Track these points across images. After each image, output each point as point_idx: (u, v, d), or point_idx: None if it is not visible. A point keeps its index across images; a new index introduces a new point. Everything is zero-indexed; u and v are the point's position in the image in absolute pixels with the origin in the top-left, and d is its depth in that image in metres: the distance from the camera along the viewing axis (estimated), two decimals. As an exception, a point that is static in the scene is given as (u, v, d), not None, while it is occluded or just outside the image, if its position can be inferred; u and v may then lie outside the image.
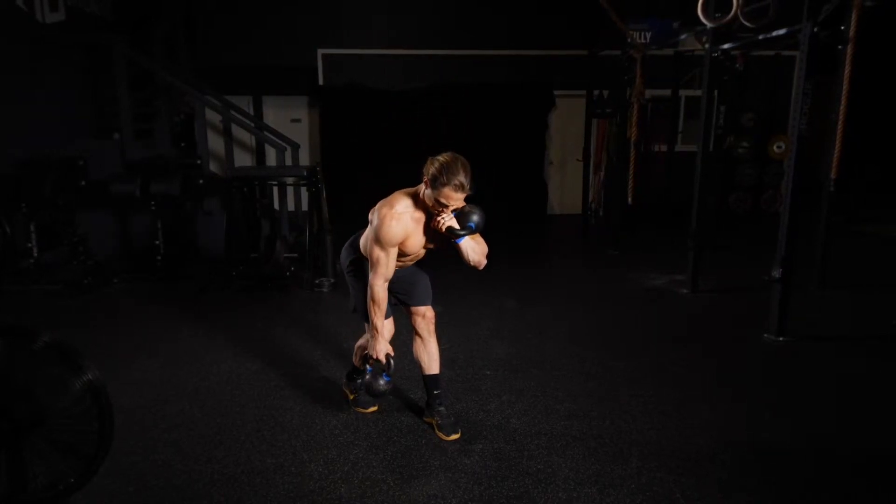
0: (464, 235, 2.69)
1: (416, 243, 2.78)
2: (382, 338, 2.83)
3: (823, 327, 4.63)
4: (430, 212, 2.69)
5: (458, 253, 2.76)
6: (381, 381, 2.81)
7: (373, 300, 2.76)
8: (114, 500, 2.54)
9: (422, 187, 2.68)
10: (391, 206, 2.70)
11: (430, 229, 2.74)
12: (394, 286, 2.98)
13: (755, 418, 3.21)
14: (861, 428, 3.15)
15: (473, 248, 2.75)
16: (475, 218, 2.68)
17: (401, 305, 3.07)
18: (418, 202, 2.72)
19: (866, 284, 5.82)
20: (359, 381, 3.34)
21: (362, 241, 2.89)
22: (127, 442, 2.91)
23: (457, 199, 2.59)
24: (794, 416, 3.26)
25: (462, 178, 2.54)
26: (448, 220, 2.66)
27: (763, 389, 3.61)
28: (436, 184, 2.56)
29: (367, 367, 2.86)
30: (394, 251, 2.72)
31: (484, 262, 2.81)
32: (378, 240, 2.69)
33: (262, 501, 2.52)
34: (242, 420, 3.20)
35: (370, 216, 2.78)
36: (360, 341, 3.19)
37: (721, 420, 3.19)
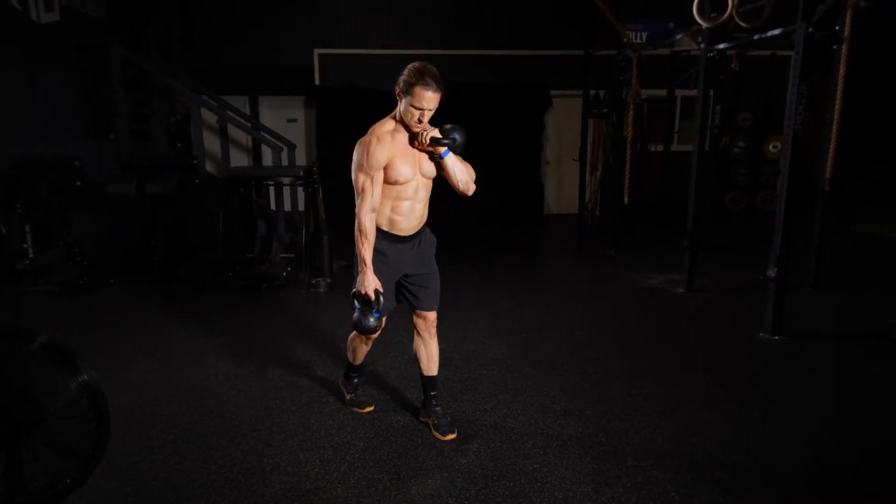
0: (447, 145, 2.67)
1: (406, 167, 2.69)
2: (371, 272, 2.71)
3: (818, 327, 4.65)
4: (413, 134, 2.68)
5: (445, 176, 2.74)
6: (371, 318, 2.71)
7: (360, 230, 2.68)
8: (111, 500, 2.54)
9: (397, 109, 2.67)
10: (371, 132, 2.69)
11: (416, 151, 2.70)
12: (406, 285, 2.92)
13: (751, 417, 3.23)
14: (857, 427, 3.17)
15: (461, 169, 2.73)
16: (457, 134, 2.68)
17: (406, 303, 3.01)
18: (398, 126, 2.71)
19: (861, 284, 5.84)
20: (355, 380, 3.35)
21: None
22: (124, 442, 2.91)
23: (430, 100, 2.57)
24: (790, 415, 3.27)
25: (432, 78, 2.55)
26: (430, 131, 2.65)
27: (758, 389, 3.63)
28: (407, 88, 2.57)
29: (356, 304, 2.75)
30: (379, 176, 2.66)
31: (472, 186, 2.78)
32: (361, 165, 2.64)
33: (259, 501, 2.53)
34: (239, 420, 3.21)
35: (353, 153, 2.71)
36: (351, 336, 3.16)
37: (716, 419, 3.21)
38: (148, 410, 3.31)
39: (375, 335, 2.90)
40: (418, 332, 3.05)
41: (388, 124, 2.72)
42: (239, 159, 9.55)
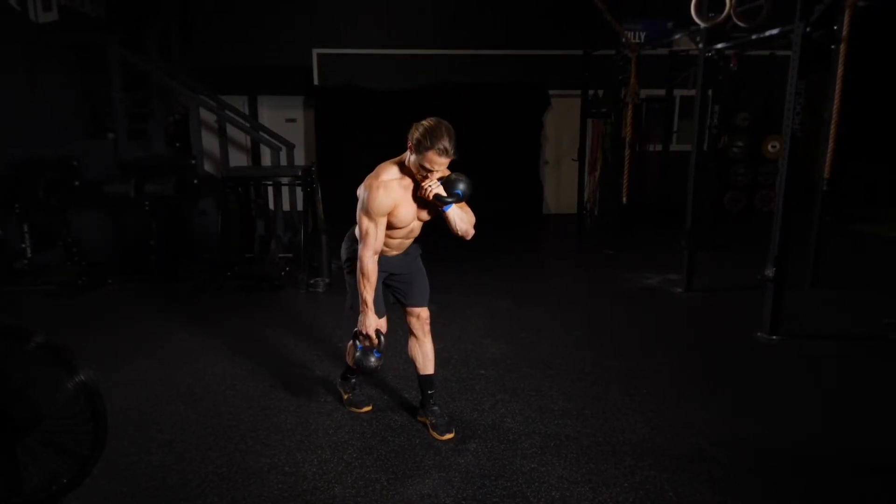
0: (451, 203, 2.68)
1: (407, 213, 2.74)
2: (373, 313, 2.77)
3: (817, 326, 4.65)
4: (417, 178, 2.68)
5: (446, 222, 2.74)
6: (372, 358, 2.77)
7: (362, 273, 2.71)
8: (108, 500, 2.54)
9: (406, 154, 2.66)
10: (377, 176, 2.69)
11: (419, 198, 2.72)
12: (392, 284, 2.98)
13: (748, 417, 3.22)
14: (855, 426, 3.17)
15: (461, 217, 2.74)
16: (462, 186, 2.68)
17: (398, 304, 3.07)
18: (405, 170, 2.70)
19: (859, 284, 5.85)
20: (353, 380, 3.35)
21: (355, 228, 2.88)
22: (121, 442, 2.91)
23: (441, 164, 2.57)
24: (788, 414, 3.28)
25: (446, 142, 2.53)
26: (435, 188, 2.64)
27: (756, 388, 3.63)
28: (420, 148, 2.55)
29: (357, 344, 2.81)
30: (383, 221, 2.69)
31: (471, 231, 2.79)
32: (367, 210, 2.66)
33: (256, 501, 2.52)
34: (237, 420, 3.20)
35: (358, 192, 2.74)
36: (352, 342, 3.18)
37: (714, 419, 3.21)
38: (145, 410, 3.31)
39: (375, 373, 2.99)
40: (412, 332, 3.06)
41: (394, 169, 2.72)
42: (238, 159, 9.55)
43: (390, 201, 2.67)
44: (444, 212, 2.70)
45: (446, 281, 5.54)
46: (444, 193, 2.65)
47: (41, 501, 2.30)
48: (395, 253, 2.91)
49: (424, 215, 2.82)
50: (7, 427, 2.21)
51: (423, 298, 3.02)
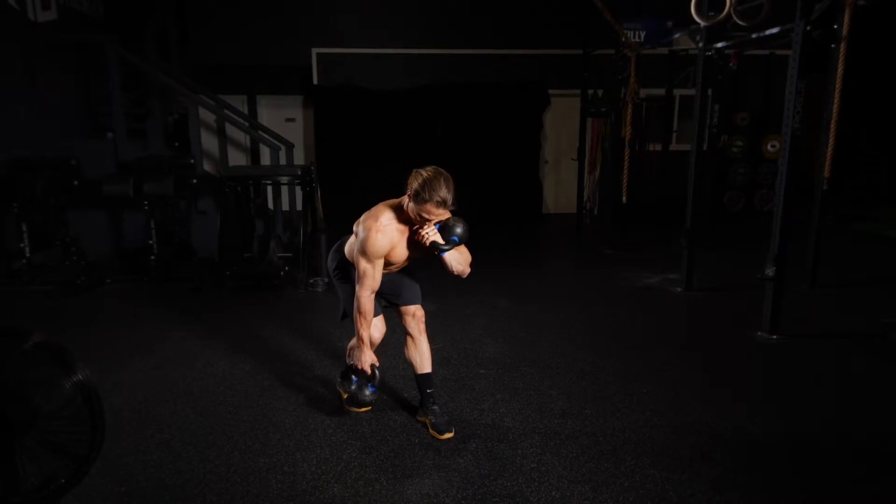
0: (448, 249, 2.70)
1: (401, 253, 2.81)
2: (368, 349, 2.86)
3: (816, 325, 4.65)
4: (414, 223, 2.71)
5: (441, 263, 2.77)
6: (367, 392, 2.89)
7: (359, 312, 2.79)
8: (106, 500, 2.53)
9: (405, 199, 2.67)
10: (376, 219, 2.71)
11: (415, 240, 2.75)
12: (382, 289, 2.97)
13: (748, 416, 3.22)
14: (854, 425, 3.16)
15: (457, 260, 2.77)
16: (459, 231, 2.69)
17: (391, 308, 3.07)
18: (402, 213, 2.72)
19: (858, 283, 5.85)
20: (353, 380, 3.33)
21: (347, 247, 2.93)
22: (119, 442, 2.90)
23: (439, 215, 2.61)
24: (787, 413, 3.27)
25: (444, 193, 2.54)
26: (432, 235, 2.68)
27: (756, 387, 3.63)
28: (418, 199, 2.57)
29: (353, 377, 2.92)
30: (380, 263, 2.75)
31: (468, 270, 2.84)
32: (364, 252, 2.70)
33: (255, 501, 2.51)
34: (235, 420, 3.20)
35: (355, 227, 2.80)
36: (352, 342, 3.18)
37: (714, 418, 3.20)
38: (143, 410, 3.30)
39: (371, 406, 3.11)
40: (408, 332, 3.06)
41: (393, 212, 2.74)
42: (237, 158, 9.54)
43: (387, 244, 2.72)
44: (440, 256, 2.74)
45: (445, 281, 5.52)
46: (441, 241, 2.68)
47: (39, 501, 2.29)
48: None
49: (416, 255, 2.86)
50: (5, 427, 2.20)
51: (414, 296, 3.04)
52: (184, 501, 2.52)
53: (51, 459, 2.31)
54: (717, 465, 2.76)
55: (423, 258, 2.87)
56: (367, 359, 2.86)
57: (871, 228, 8.35)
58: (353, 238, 2.85)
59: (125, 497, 2.55)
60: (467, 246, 2.83)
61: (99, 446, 2.30)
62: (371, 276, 2.74)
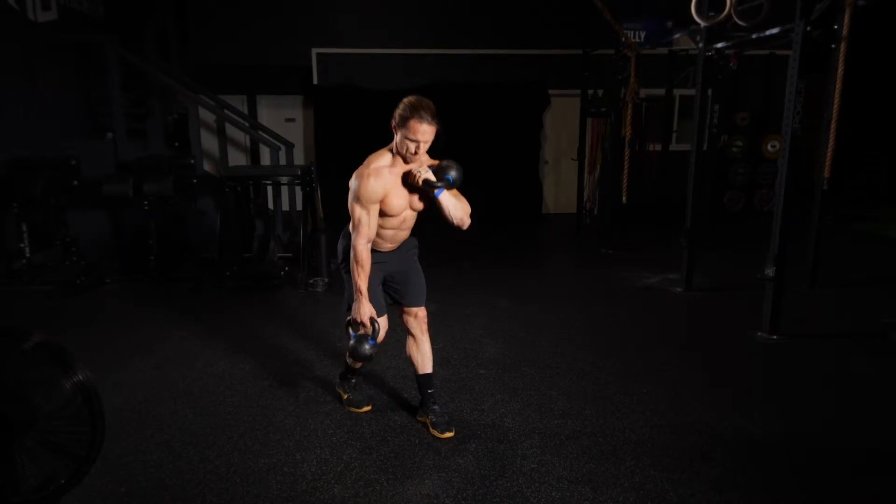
0: (441, 187, 2.68)
1: (398, 201, 2.74)
2: (367, 300, 2.77)
3: (815, 326, 4.65)
4: (407, 167, 2.71)
5: (440, 211, 2.75)
6: (367, 346, 2.76)
7: (356, 261, 2.73)
8: (105, 500, 2.53)
9: (393, 142, 2.69)
10: (367, 165, 2.71)
11: (410, 185, 2.73)
12: (390, 284, 2.98)
13: (748, 416, 3.22)
14: (854, 425, 3.16)
15: (455, 205, 2.74)
16: (452, 172, 2.69)
17: (395, 305, 3.06)
18: (395, 159, 2.73)
19: (858, 283, 5.84)
20: (353, 380, 3.34)
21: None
22: (119, 442, 2.90)
23: (424, 133, 2.59)
24: (787, 414, 3.27)
25: (426, 111, 2.57)
26: (424, 173, 2.66)
27: (756, 388, 3.62)
28: (402, 121, 2.58)
29: (351, 332, 2.80)
30: (375, 209, 2.70)
31: (467, 220, 2.79)
32: (358, 198, 2.68)
33: (255, 502, 2.51)
34: (235, 420, 3.19)
35: (350, 183, 2.75)
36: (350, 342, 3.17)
37: (714, 418, 3.20)
38: (143, 410, 3.30)
39: (370, 361, 2.97)
40: (410, 332, 3.06)
41: (385, 157, 2.74)
42: (237, 158, 9.54)
43: (381, 188, 2.68)
44: (435, 198, 2.71)
45: (445, 280, 5.54)
46: (433, 178, 2.67)
47: (39, 501, 2.29)
48: (390, 247, 2.91)
49: (417, 203, 2.81)
50: (5, 427, 2.20)
51: (420, 298, 3.02)
52: (184, 502, 2.52)
53: (51, 459, 2.30)
54: (717, 465, 2.76)
55: (425, 209, 2.82)
56: (367, 310, 2.76)
57: (871, 228, 8.35)
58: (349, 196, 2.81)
59: (125, 497, 2.55)
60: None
61: (99, 446, 2.30)
62: (366, 224, 2.69)
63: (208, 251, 6.25)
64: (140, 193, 5.90)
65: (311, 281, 5.69)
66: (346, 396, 3.34)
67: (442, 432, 2.99)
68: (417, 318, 3.02)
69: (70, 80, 7.07)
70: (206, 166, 8.39)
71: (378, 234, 2.82)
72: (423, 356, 3.06)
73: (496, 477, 2.68)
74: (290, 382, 3.65)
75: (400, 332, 3.20)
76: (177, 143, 8.03)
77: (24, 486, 2.27)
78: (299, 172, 5.99)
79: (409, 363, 3.12)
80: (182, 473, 2.71)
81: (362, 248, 2.72)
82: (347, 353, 3.19)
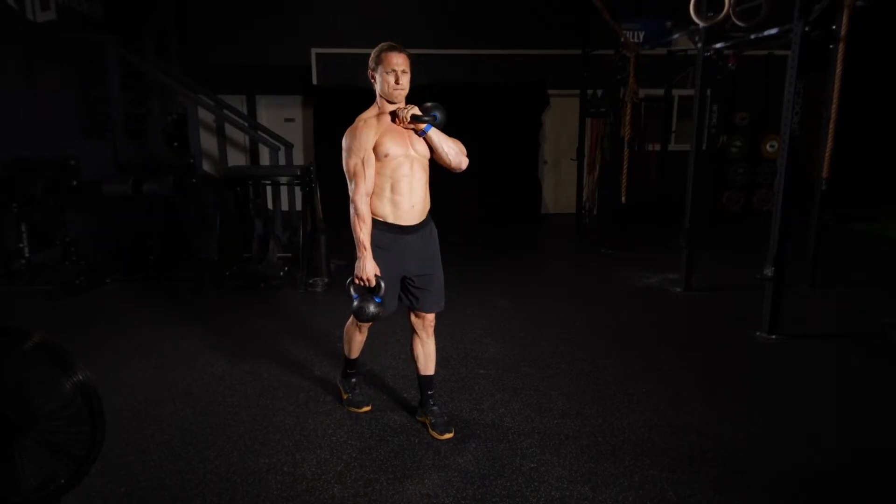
0: (428, 121, 2.73)
1: (395, 144, 2.71)
2: (370, 257, 2.70)
3: (815, 325, 4.66)
4: (395, 114, 2.76)
5: (435, 155, 2.79)
6: (372, 305, 2.67)
7: (357, 214, 2.69)
8: (106, 500, 2.53)
9: (378, 96, 2.77)
10: (356, 120, 2.77)
11: (405, 132, 2.75)
12: (410, 287, 2.89)
13: (747, 416, 3.22)
14: (853, 425, 3.17)
15: (447, 143, 2.78)
16: (437, 111, 2.77)
17: (406, 303, 2.97)
18: (381, 110, 2.78)
19: (857, 283, 5.85)
20: (353, 380, 3.34)
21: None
22: (119, 442, 2.90)
23: (400, 62, 2.66)
24: (786, 413, 3.27)
25: (395, 45, 2.69)
26: (410, 109, 2.72)
27: (755, 387, 3.62)
28: (377, 61, 2.70)
29: (353, 293, 2.73)
30: (370, 158, 2.69)
31: (464, 160, 2.83)
32: (351, 149, 2.69)
33: (254, 501, 2.51)
34: (235, 420, 3.20)
35: (342, 143, 2.76)
36: (348, 323, 3.13)
37: (713, 418, 3.20)
38: (143, 410, 3.30)
39: (375, 322, 2.89)
40: (416, 332, 3.04)
41: (372, 110, 2.81)
42: (236, 158, 9.54)
43: (371, 133, 2.70)
44: (425, 133, 2.74)
45: (446, 280, 5.52)
46: (420, 112, 2.73)
47: (39, 501, 2.29)
48: (412, 210, 2.77)
49: (419, 148, 2.78)
50: (4, 427, 2.20)
51: (434, 304, 2.96)
52: (184, 502, 2.52)
53: (51, 460, 2.30)
54: (717, 465, 2.76)
55: (427, 154, 2.81)
56: (371, 267, 2.69)
57: (871, 228, 8.36)
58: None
59: (125, 497, 2.55)
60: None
61: (99, 446, 2.30)
62: (362, 175, 2.68)
63: (208, 251, 6.25)
64: (139, 193, 5.90)
65: (310, 281, 5.69)
66: (345, 396, 3.34)
67: (441, 433, 2.99)
68: (426, 322, 2.99)
69: (70, 80, 7.06)
70: (206, 166, 8.40)
71: (395, 191, 2.73)
72: (426, 357, 3.05)
73: (496, 476, 2.68)
74: (290, 382, 3.65)
75: (399, 332, 3.21)
76: (176, 143, 8.03)
77: (24, 486, 2.27)
78: (299, 172, 5.99)
79: (412, 362, 3.12)
80: (182, 473, 2.71)
81: (361, 202, 2.69)
82: (347, 345, 3.17)
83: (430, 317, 3.00)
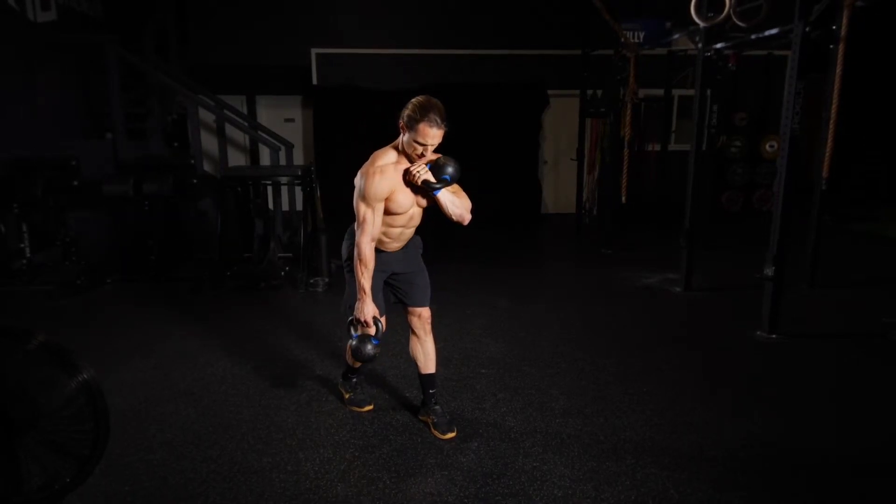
0: (440, 187, 2.69)
1: (405, 199, 2.73)
2: (370, 299, 2.74)
3: (814, 325, 4.67)
4: (411, 163, 2.71)
5: (439, 208, 2.75)
6: (370, 346, 2.72)
7: (360, 259, 2.71)
8: (109, 500, 2.54)
9: (399, 140, 2.68)
10: (373, 163, 2.70)
11: (412, 183, 2.72)
12: (394, 283, 2.97)
13: (748, 415, 3.23)
14: (853, 425, 3.18)
15: (453, 202, 2.74)
16: (450, 170, 2.68)
17: (398, 304, 3.06)
18: (400, 155, 2.72)
19: (857, 283, 5.86)
20: (354, 379, 3.35)
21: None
22: (122, 442, 2.91)
23: (433, 136, 2.57)
24: (787, 413, 3.28)
25: (436, 114, 2.55)
26: (423, 174, 2.65)
27: (755, 387, 3.64)
28: (411, 123, 2.57)
29: (353, 332, 2.78)
30: (380, 207, 2.69)
31: (467, 216, 2.79)
32: (364, 196, 2.66)
33: (257, 500, 2.52)
34: (237, 419, 3.20)
35: (355, 181, 2.74)
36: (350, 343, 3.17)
37: (714, 417, 3.21)
38: (145, 410, 3.30)
39: (373, 361, 2.94)
40: (414, 332, 3.06)
41: (390, 155, 2.73)
42: (236, 159, 9.54)
43: (387, 186, 2.67)
44: (435, 195, 2.71)
45: (446, 280, 5.54)
46: (432, 179, 2.67)
47: (42, 501, 2.30)
48: (396, 246, 2.89)
49: (423, 201, 2.81)
50: (8, 427, 2.21)
51: (424, 298, 3.02)
52: (187, 501, 2.52)
53: (54, 459, 2.31)
54: (717, 464, 2.77)
55: (427, 203, 2.82)
56: (370, 310, 2.73)
57: (871, 228, 8.37)
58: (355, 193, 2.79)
59: (129, 496, 2.56)
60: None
61: (103, 446, 2.30)
62: (371, 222, 2.68)
63: (208, 251, 6.26)
64: (140, 193, 5.90)
65: (311, 281, 5.70)
66: (347, 396, 3.35)
67: (443, 433, 3.00)
68: (421, 319, 3.02)
69: (70, 80, 7.06)
70: (206, 166, 8.38)
71: (385, 234, 2.81)
72: (426, 356, 3.06)
73: (499, 475, 2.69)
74: (292, 382, 3.66)
75: (401, 332, 3.22)
76: (176, 144, 8.03)
77: (27, 485, 2.27)
78: (299, 173, 6.00)
79: (413, 362, 3.13)
80: (185, 472, 2.71)
81: (366, 246, 2.70)
82: (349, 353, 3.20)
83: (426, 313, 3.02)
